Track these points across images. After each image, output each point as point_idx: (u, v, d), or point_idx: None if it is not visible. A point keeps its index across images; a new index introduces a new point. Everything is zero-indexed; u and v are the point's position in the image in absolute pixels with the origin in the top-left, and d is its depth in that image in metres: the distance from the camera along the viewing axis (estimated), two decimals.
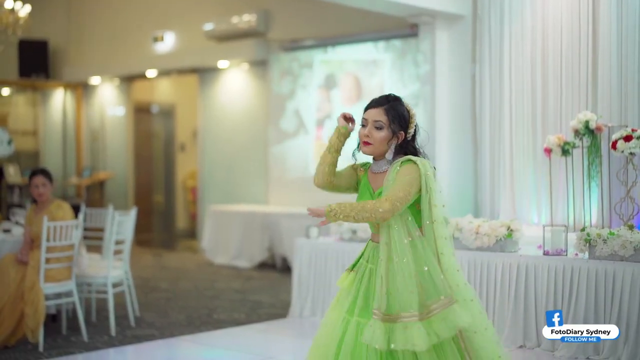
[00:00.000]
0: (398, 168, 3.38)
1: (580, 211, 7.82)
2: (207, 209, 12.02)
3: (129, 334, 6.67)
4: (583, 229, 5.77)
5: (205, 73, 12.66)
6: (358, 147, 3.57)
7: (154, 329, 6.87)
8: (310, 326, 6.97)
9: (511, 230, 6.13)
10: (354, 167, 3.65)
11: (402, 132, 3.45)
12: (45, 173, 6.57)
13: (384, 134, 3.43)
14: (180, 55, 12.63)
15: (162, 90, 14.94)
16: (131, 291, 7.33)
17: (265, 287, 9.16)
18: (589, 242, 5.64)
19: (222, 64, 12.11)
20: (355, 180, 3.63)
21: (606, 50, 7.82)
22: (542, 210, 8.22)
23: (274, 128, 11.60)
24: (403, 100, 3.52)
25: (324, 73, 11.06)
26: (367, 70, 10.61)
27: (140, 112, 14.65)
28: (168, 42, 12.93)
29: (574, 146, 7.80)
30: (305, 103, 11.24)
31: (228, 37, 11.85)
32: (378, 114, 3.44)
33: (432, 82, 9.12)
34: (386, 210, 3.29)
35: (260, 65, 11.80)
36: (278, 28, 11.46)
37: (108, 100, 14.52)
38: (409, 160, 3.39)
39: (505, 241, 6.12)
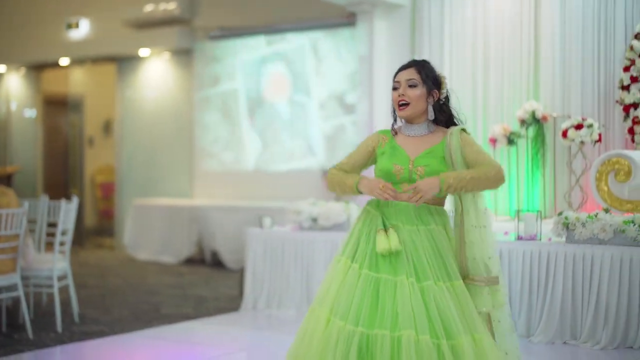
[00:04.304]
0: (459, 136, 3.31)
1: (525, 200, 7.87)
2: (126, 204, 11.55)
3: (76, 331, 6.24)
4: (560, 213, 5.74)
5: (123, 62, 12.16)
6: (395, 118, 3.47)
7: (102, 325, 6.45)
8: (266, 319, 6.72)
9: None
10: (368, 148, 3.49)
11: (437, 90, 3.39)
12: None
13: (419, 91, 3.35)
14: (96, 43, 12.09)
15: (74, 80, 14.27)
16: (71, 286, 6.89)
17: (200, 282, 8.83)
18: (566, 226, 5.60)
19: (142, 52, 11.65)
20: (369, 159, 3.51)
21: (548, 40, 7.89)
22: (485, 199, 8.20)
23: (199, 119, 11.26)
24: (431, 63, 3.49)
25: (254, 62, 10.80)
26: (300, 60, 10.42)
27: (51, 103, 13.97)
28: (83, 28, 12.34)
29: (519, 136, 7.84)
30: (233, 94, 10.95)
31: (149, 24, 11.42)
32: (410, 73, 3.38)
33: (370, 71, 8.98)
34: (502, 170, 3.29)
35: (184, 54, 11.42)
36: (204, 15, 11.11)
37: (14, 90, 13.78)
38: (464, 130, 3.36)
39: None
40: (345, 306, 3.19)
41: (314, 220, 6.77)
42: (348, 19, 9.67)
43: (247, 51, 10.86)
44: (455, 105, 3.50)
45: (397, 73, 3.42)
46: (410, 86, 3.35)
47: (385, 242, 3.23)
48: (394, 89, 3.40)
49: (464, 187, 3.20)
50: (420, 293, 3.15)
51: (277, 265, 6.92)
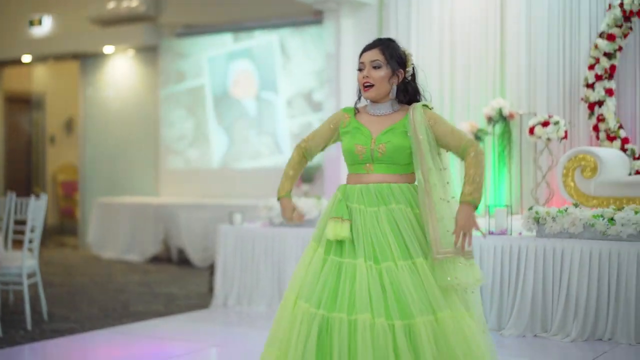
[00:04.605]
0: (422, 112, 3.33)
1: (492, 196, 7.96)
2: (90, 203, 11.45)
3: (46, 328, 6.17)
4: (530, 208, 5.82)
5: (87, 59, 12.05)
6: (359, 97, 3.50)
7: (72, 323, 6.39)
8: (237, 315, 6.72)
9: None
10: (332, 125, 3.52)
11: (401, 70, 3.39)
12: None
13: (383, 72, 3.36)
14: (59, 40, 11.96)
15: (36, 78, 14.09)
16: (40, 284, 6.82)
17: (167, 280, 8.79)
18: (537, 221, 5.69)
19: (107, 49, 11.56)
20: (331, 137, 3.54)
21: (514, 38, 7.99)
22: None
23: (165, 116, 11.20)
24: (397, 41, 3.49)
25: (221, 59, 10.78)
26: (267, 57, 10.42)
27: (13, 100, 13.79)
28: (46, 25, 12.20)
29: (486, 133, 7.93)
30: (200, 90, 10.91)
31: (114, 22, 11.33)
32: (374, 54, 3.38)
33: (337, 69, 9.01)
34: (479, 144, 3.39)
35: (149, 51, 11.35)
36: (170, 12, 11.05)
37: None
38: (427, 106, 3.37)
39: None
40: (309, 289, 3.26)
41: None
42: (315, 17, 9.70)
43: (214, 48, 10.83)
44: (422, 82, 3.51)
45: (362, 53, 3.43)
46: (374, 67, 3.35)
47: (333, 231, 3.29)
48: (359, 69, 3.41)
49: (480, 180, 3.24)
50: (378, 275, 3.19)
51: (247, 261, 6.92)
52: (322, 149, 3.60)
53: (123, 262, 10.28)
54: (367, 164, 3.35)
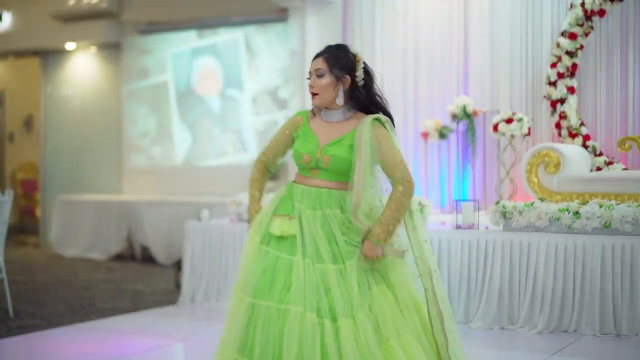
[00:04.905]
0: (371, 128, 3.34)
1: (456, 192, 8.07)
2: (51, 201, 11.34)
3: (13, 325, 6.12)
4: (497, 202, 5.91)
5: (48, 56, 11.93)
6: None
7: (39, 320, 6.35)
8: (205, 311, 6.72)
9: (422, 205, 6.20)
10: (287, 130, 3.55)
11: (348, 76, 3.39)
12: None
13: (325, 81, 3.38)
14: (19, 36, 11.81)
15: None
16: (6, 280, 6.76)
17: (132, 277, 8.75)
18: (504, 215, 5.78)
19: (69, 46, 11.46)
20: (288, 143, 3.57)
21: (477, 36, 8.10)
22: (416, 192, 8.36)
23: (128, 113, 11.15)
24: (348, 47, 3.48)
25: (185, 55, 10.75)
26: (232, 53, 10.42)
27: None
28: (5, 21, 12.05)
29: (450, 130, 8.03)
30: (163, 86, 10.88)
31: (76, 18, 11.23)
32: (318, 63, 3.41)
33: (302, 67, 9.04)
34: (412, 180, 3.34)
35: (112, 48, 11.27)
36: (133, 9, 10.99)
37: None
38: (377, 120, 3.37)
39: None
40: (248, 280, 3.33)
41: None
42: (279, 15, 9.72)
43: (178, 44, 10.80)
44: (380, 86, 3.52)
45: (311, 63, 3.47)
46: (318, 76, 3.39)
47: (280, 227, 3.36)
48: (308, 79, 3.46)
49: (393, 227, 3.30)
50: (314, 274, 3.25)
51: (215, 257, 6.93)
52: (283, 155, 3.63)
53: (86, 260, 10.21)
54: (313, 170, 3.40)
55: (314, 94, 3.41)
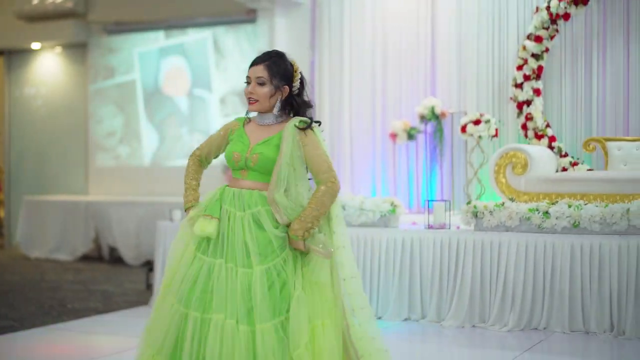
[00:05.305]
0: (295, 130, 3.38)
1: (423, 193, 8.17)
2: (17, 202, 11.25)
3: None
4: (469, 202, 6.02)
5: (12, 56, 11.82)
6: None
7: (10, 321, 6.31)
8: None
9: (394, 205, 6.28)
10: (222, 132, 3.59)
11: (286, 86, 3.46)
12: None
13: (266, 89, 3.42)
14: None
15: None
16: None
17: (101, 278, 8.72)
18: (475, 215, 5.89)
19: (34, 45, 11.37)
20: (222, 144, 3.60)
21: (445, 38, 8.22)
22: (380, 192, 8.46)
23: (94, 113, 11.09)
24: (286, 55, 3.53)
25: (152, 54, 10.73)
26: (200, 54, 10.42)
27: None
28: None
29: (419, 131, 8.13)
30: (130, 86, 10.84)
31: (41, 18, 11.14)
32: (260, 70, 3.44)
33: None
34: (337, 182, 3.37)
35: (78, 47, 11.21)
36: (100, 9, 10.94)
37: None
38: (304, 122, 3.41)
39: (389, 216, 6.26)
40: (178, 287, 3.35)
41: None
42: (248, 16, 9.75)
43: (145, 43, 10.77)
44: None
45: (250, 66, 3.49)
46: (259, 84, 3.43)
47: (200, 227, 3.37)
48: (247, 83, 3.48)
49: (311, 224, 3.31)
50: (236, 277, 3.28)
51: None
52: (216, 156, 3.66)
53: (52, 261, 10.14)
54: (242, 170, 3.45)
55: (252, 101, 3.45)
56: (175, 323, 3.31)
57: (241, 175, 3.44)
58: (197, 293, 3.29)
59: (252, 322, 3.22)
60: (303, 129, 3.38)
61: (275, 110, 3.46)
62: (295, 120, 3.41)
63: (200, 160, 3.65)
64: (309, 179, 3.45)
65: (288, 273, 3.31)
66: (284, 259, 3.32)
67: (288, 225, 3.33)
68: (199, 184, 3.64)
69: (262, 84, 3.41)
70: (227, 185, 3.48)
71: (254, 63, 3.47)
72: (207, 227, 3.35)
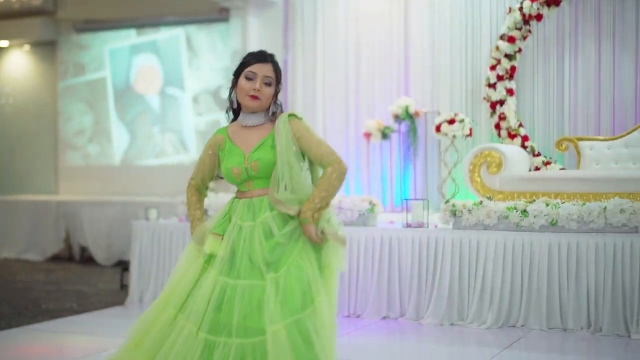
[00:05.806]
0: (288, 122, 3.36)
1: (397, 192, 8.22)
2: None
3: None
4: (447, 201, 6.06)
5: None
6: (233, 114, 3.51)
7: None
8: None
9: (373, 204, 6.31)
10: (210, 150, 3.51)
11: (280, 85, 3.49)
12: None
13: (272, 90, 3.41)
14: None
15: None
16: None
17: (73, 278, 8.63)
18: (454, 213, 5.93)
19: (1, 43, 11.24)
20: (215, 163, 3.53)
21: (418, 38, 8.28)
22: (354, 191, 8.49)
23: (63, 110, 10.99)
24: None
25: (123, 52, 10.66)
26: (172, 52, 10.37)
27: None
28: None
29: (392, 130, 8.17)
30: (100, 83, 10.76)
31: (8, 15, 11.01)
32: (268, 70, 3.40)
33: None
34: (343, 162, 3.34)
35: (47, 45, 11.09)
36: (69, 7, 10.83)
37: None
38: (293, 115, 3.40)
39: (368, 215, 6.29)
40: (195, 308, 3.29)
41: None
42: (221, 14, 9.72)
43: (117, 40, 10.69)
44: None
45: (252, 62, 3.41)
46: (266, 83, 3.38)
47: (209, 246, 3.34)
48: (249, 78, 3.38)
49: (321, 206, 3.29)
50: (246, 294, 3.24)
51: (164, 257, 6.91)
52: (212, 178, 3.58)
53: (22, 262, 10.02)
54: (247, 182, 3.40)
55: (255, 97, 3.36)
56: (174, 337, 3.25)
57: (247, 187, 3.39)
58: (210, 314, 3.24)
59: (264, 332, 3.16)
60: (294, 120, 3.35)
61: (270, 111, 3.42)
62: (285, 115, 3.37)
63: (198, 188, 3.57)
64: (306, 170, 3.40)
65: (305, 268, 3.26)
66: (299, 254, 3.28)
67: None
68: (203, 212, 3.57)
69: (269, 84, 3.38)
70: (236, 197, 3.43)
71: (260, 60, 3.40)
72: (216, 246, 3.32)
